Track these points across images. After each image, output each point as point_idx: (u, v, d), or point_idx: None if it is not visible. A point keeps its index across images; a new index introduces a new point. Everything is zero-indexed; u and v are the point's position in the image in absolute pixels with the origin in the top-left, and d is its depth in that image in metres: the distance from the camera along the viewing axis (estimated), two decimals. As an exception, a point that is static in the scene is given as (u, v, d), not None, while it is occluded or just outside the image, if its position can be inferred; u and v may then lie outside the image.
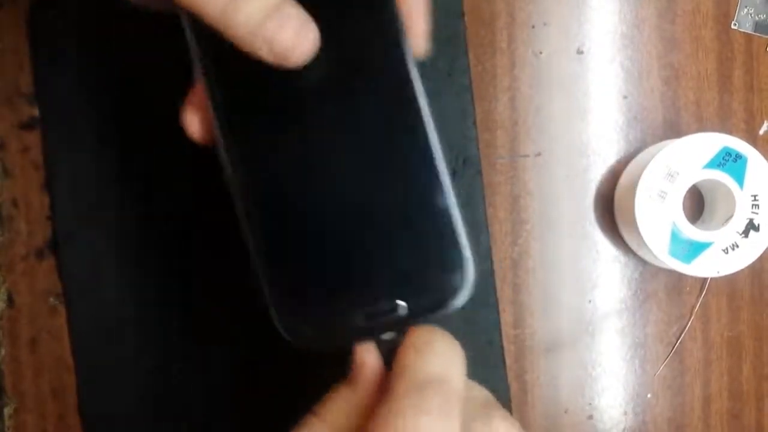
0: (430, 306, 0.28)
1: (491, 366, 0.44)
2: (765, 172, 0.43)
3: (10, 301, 0.42)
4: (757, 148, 0.43)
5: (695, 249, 0.43)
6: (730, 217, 0.43)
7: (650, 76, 0.46)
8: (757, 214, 0.43)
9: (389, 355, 0.28)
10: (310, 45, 0.26)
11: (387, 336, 0.28)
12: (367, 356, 0.29)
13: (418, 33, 0.28)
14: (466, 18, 0.44)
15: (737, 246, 0.43)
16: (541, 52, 0.45)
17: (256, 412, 0.42)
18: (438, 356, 0.27)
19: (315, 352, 0.28)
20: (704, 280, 0.46)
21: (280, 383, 0.41)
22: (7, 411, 0.42)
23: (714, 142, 0.43)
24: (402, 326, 0.28)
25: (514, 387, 0.45)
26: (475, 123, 0.43)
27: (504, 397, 0.45)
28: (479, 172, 0.43)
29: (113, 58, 0.41)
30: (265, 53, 0.26)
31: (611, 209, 0.46)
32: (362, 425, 0.28)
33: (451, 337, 0.28)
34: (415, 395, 0.26)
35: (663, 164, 0.43)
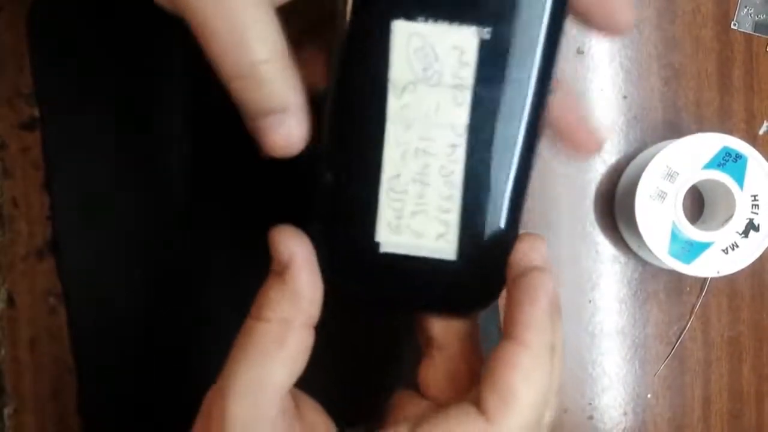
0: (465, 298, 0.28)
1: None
2: (765, 173, 0.43)
3: (10, 301, 0.42)
4: (756, 149, 0.43)
5: (695, 249, 0.43)
6: (730, 217, 0.43)
7: (650, 76, 0.46)
8: (757, 214, 0.43)
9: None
10: (296, 149, 0.26)
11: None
12: (295, 244, 0.27)
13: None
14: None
15: (737, 246, 0.43)
16: (541, 52, 0.45)
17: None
18: (540, 393, 0.26)
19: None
20: (704, 280, 0.46)
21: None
22: (6, 411, 0.42)
23: (714, 142, 0.43)
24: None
25: (514, 387, 0.45)
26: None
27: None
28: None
29: (113, 58, 0.41)
30: (252, 133, 0.26)
31: (611, 209, 0.46)
32: (304, 320, 0.27)
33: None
34: None
35: (663, 164, 0.43)
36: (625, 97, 0.46)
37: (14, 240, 0.42)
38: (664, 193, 0.43)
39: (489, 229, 0.27)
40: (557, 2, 0.25)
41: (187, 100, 0.41)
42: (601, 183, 0.46)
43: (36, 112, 0.42)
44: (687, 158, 0.43)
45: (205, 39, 0.25)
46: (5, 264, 0.42)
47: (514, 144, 0.26)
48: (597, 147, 0.29)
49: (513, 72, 0.25)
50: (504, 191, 0.27)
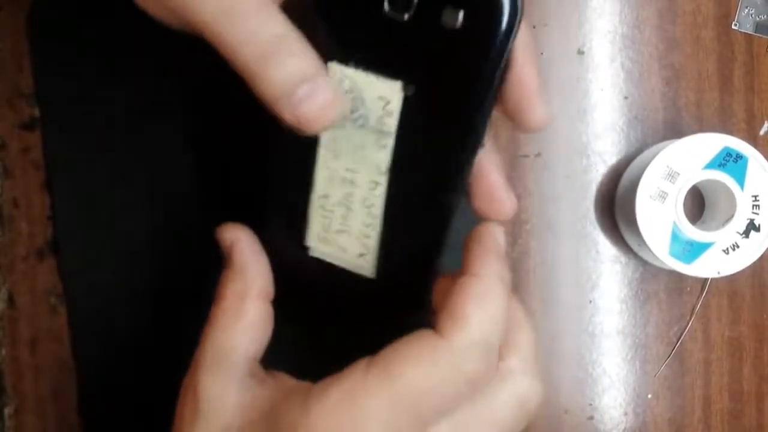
0: None
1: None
2: (766, 173, 0.43)
3: (11, 301, 0.42)
4: (757, 149, 0.43)
5: (696, 249, 0.43)
6: (731, 217, 0.43)
7: (651, 76, 0.46)
8: (757, 214, 0.43)
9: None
10: (331, 120, 0.26)
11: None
12: (236, 231, 0.31)
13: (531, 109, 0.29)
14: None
15: (738, 246, 0.43)
16: (541, 53, 0.45)
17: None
18: (497, 323, 0.27)
19: None
20: (705, 280, 0.46)
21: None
22: (7, 411, 0.42)
23: (714, 142, 0.43)
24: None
25: (514, 387, 0.45)
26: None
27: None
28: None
29: (114, 58, 0.41)
30: (287, 115, 0.26)
31: (612, 209, 0.46)
32: (257, 292, 0.30)
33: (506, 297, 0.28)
34: (475, 360, 0.27)
35: (664, 164, 0.43)
36: (625, 97, 0.46)
37: (14, 240, 0.42)
38: (665, 193, 0.43)
39: (406, 259, 0.29)
40: (488, 72, 0.26)
41: (188, 100, 0.41)
42: (602, 183, 0.46)
43: (36, 112, 0.42)
44: (688, 158, 0.43)
45: (217, 31, 0.26)
46: (5, 264, 0.42)
47: (435, 192, 0.28)
48: (508, 213, 0.30)
49: (435, 129, 0.27)
50: (423, 231, 0.29)
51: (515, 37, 0.25)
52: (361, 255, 0.30)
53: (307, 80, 0.26)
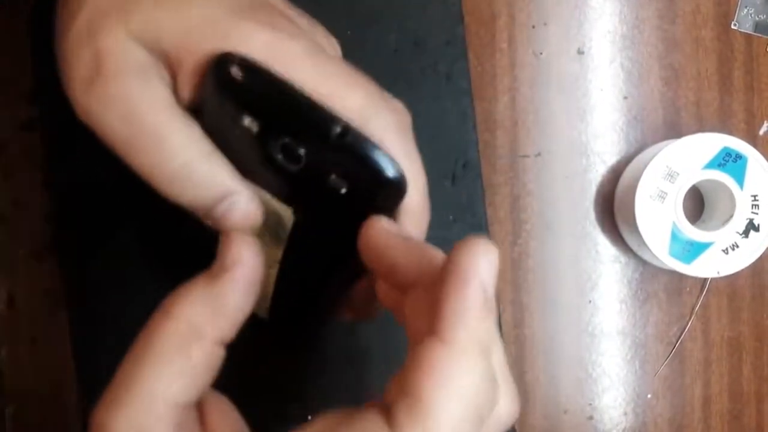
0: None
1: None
2: (765, 173, 0.43)
3: (11, 301, 0.42)
4: (757, 149, 0.43)
5: (695, 249, 0.43)
6: (730, 217, 0.43)
7: (650, 76, 0.46)
8: (757, 214, 0.43)
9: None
10: (252, 225, 0.28)
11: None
12: (245, 252, 0.26)
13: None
14: (466, 19, 0.44)
15: (737, 246, 0.43)
16: (541, 53, 0.45)
17: (259, 415, 0.41)
18: (465, 405, 0.21)
19: None
20: (704, 280, 0.46)
21: (277, 386, 0.41)
22: (7, 411, 0.42)
23: (714, 142, 0.43)
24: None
25: (514, 387, 0.45)
26: (474, 126, 0.43)
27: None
28: (479, 175, 0.43)
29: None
30: (212, 224, 0.28)
31: (611, 209, 0.46)
32: (217, 335, 0.25)
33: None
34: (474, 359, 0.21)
35: (663, 164, 0.43)
36: (625, 97, 0.46)
37: (14, 240, 0.42)
38: (665, 193, 0.43)
39: (288, 311, 0.33)
40: (359, 212, 0.27)
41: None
42: (602, 183, 0.46)
43: (36, 112, 0.42)
44: (687, 158, 0.43)
45: (128, 155, 0.27)
46: (5, 264, 0.42)
47: (310, 288, 0.31)
48: (371, 318, 0.30)
49: (317, 251, 0.30)
50: (301, 301, 0.32)
51: (395, 211, 0.28)
52: (264, 307, 0.32)
53: (225, 196, 0.27)
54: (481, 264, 0.21)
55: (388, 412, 0.21)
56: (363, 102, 0.26)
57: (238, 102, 0.26)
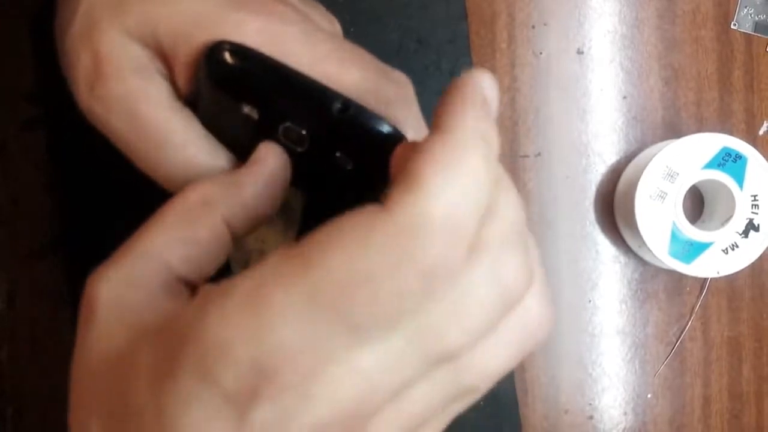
0: None
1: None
2: (765, 173, 0.43)
3: (11, 301, 0.42)
4: (756, 149, 0.43)
5: (695, 249, 0.43)
6: (730, 217, 0.43)
7: (650, 76, 0.46)
8: (756, 214, 0.43)
9: None
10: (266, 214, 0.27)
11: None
12: (270, 153, 0.25)
13: None
14: (467, 19, 0.44)
15: (737, 246, 0.43)
16: (541, 53, 0.46)
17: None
18: (472, 198, 0.19)
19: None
20: (704, 280, 0.46)
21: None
22: (7, 411, 0.42)
23: (714, 142, 0.43)
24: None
25: (514, 387, 0.45)
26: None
27: (510, 396, 0.44)
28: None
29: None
30: None
31: (611, 209, 0.46)
32: (228, 213, 0.24)
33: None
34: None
35: (663, 164, 0.43)
36: (625, 97, 0.46)
37: (14, 240, 0.42)
38: (664, 193, 0.43)
39: None
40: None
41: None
42: (601, 183, 0.46)
43: (36, 112, 0.42)
44: (687, 158, 0.43)
45: (133, 154, 0.28)
46: (5, 264, 0.42)
47: None
48: None
49: None
50: None
51: None
52: None
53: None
54: (478, 75, 0.20)
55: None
56: (361, 77, 0.26)
57: (235, 90, 0.26)
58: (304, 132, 0.26)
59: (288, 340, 0.18)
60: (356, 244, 0.18)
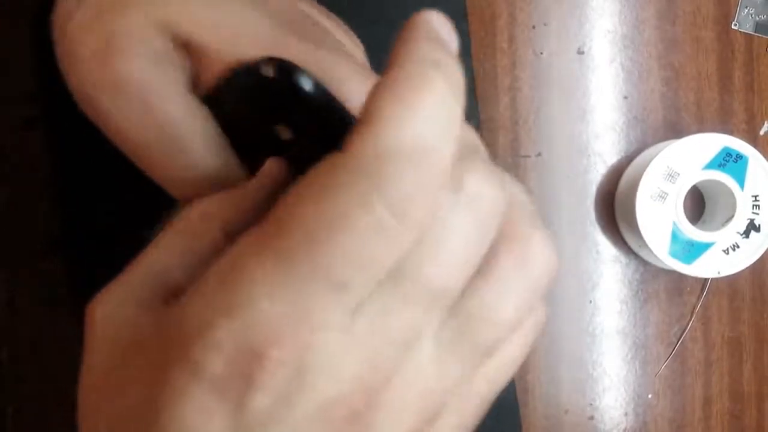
0: None
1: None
2: (766, 173, 0.43)
3: (11, 301, 0.42)
4: (757, 149, 0.43)
5: (696, 249, 0.43)
6: (731, 217, 0.43)
7: (651, 76, 0.46)
8: (757, 214, 0.43)
9: None
10: None
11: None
12: (273, 164, 0.24)
13: None
14: (468, 19, 0.44)
15: (738, 246, 0.43)
16: (541, 53, 0.46)
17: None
18: (440, 124, 0.17)
19: None
20: (705, 280, 0.46)
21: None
22: (8, 411, 0.42)
23: (714, 142, 0.43)
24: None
25: (514, 387, 0.45)
26: (479, 124, 0.43)
27: (511, 396, 0.44)
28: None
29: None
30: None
31: (612, 209, 0.46)
32: (219, 239, 0.22)
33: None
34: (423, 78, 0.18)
35: (664, 165, 0.43)
36: (625, 97, 0.46)
37: (14, 240, 0.42)
38: (665, 193, 0.43)
39: None
40: None
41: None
42: (602, 183, 0.46)
43: (36, 112, 0.42)
44: (688, 158, 0.43)
45: (136, 147, 0.25)
46: (5, 264, 0.42)
47: None
48: None
49: None
50: None
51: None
52: None
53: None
54: (426, 14, 0.19)
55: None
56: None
57: (278, 109, 0.25)
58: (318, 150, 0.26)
59: (268, 310, 0.17)
60: (319, 191, 0.17)
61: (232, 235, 0.23)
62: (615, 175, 0.46)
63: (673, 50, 0.46)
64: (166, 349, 0.18)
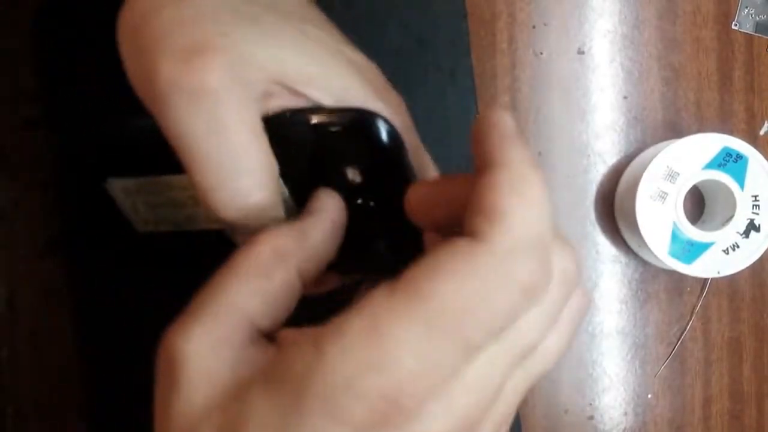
0: None
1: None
2: (765, 173, 0.43)
3: (11, 301, 0.42)
4: (757, 149, 0.43)
5: (696, 249, 0.43)
6: (731, 217, 0.43)
7: (650, 76, 0.46)
8: (757, 214, 0.43)
9: None
10: None
11: None
12: (330, 200, 0.27)
13: None
14: (468, 18, 0.44)
15: (738, 246, 0.43)
16: (541, 53, 0.45)
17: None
18: (544, 217, 0.22)
19: None
20: (705, 280, 0.46)
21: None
22: (7, 411, 0.42)
23: (714, 142, 0.43)
24: None
25: (514, 387, 0.45)
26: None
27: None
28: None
29: (115, 60, 0.41)
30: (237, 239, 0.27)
31: (612, 209, 0.46)
32: (299, 264, 0.25)
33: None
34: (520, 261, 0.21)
35: (663, 165, 0.43)
36: (625, 97, 0.46)
37: (14, 240, 0.42)
38: (665, 193, 0.43)
39: None
40: None
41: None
42: (602, 183, 0.46)
43: (37, 112, 0.42)
44: (687, 158, 0.43)
45: (193, 162, 0.25)
46: (6, 264, 0.42)
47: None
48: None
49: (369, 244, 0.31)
50: None
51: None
52: None
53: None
54: (502, 113, 0.23)
55: (467, 233, 0.21)
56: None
57: (359, 156, 0.28)
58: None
59: (410, 368, 0.20)
60: (463, 272, 0.21)
61: (303, 274, 0.25)
62: (615, 175, 0.46)
63: (673, 50, 0.46)
64: (296, 391, 0.21)
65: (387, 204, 0.28)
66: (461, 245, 0.21)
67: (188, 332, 0.23)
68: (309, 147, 0.27)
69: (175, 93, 0.24)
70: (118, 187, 0.32)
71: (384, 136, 0.27)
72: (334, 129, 0.27)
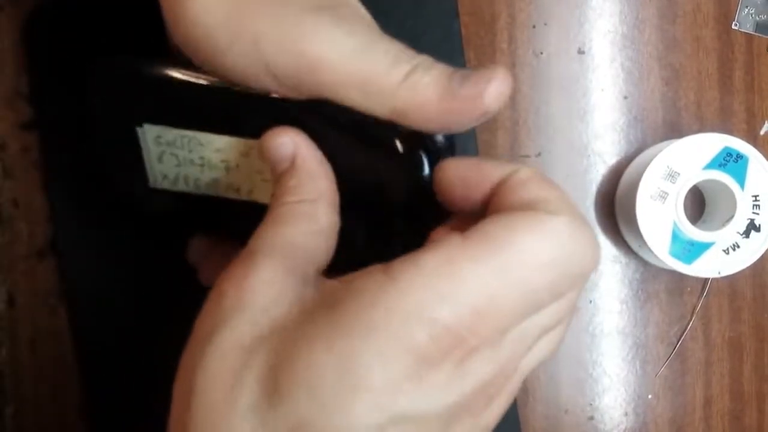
0: None
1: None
2: (766, 173, 0.43)
3: (11, 301, 0.42)
4: (757, 149, 0.43)
5: (696, 249, 0.43)
6: (731, 217, 0.43)
7: (651, 76, 0.46)
8: (758, 214, 0.43)
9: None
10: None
11: None
12: (295, 137, 0.27)
13: None
14: (464, 18, 0.44)
15: (738, 246, 0.43)
16: (541, 53, 0.45)
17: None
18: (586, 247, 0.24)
19: None
20: (705, 280, 0.46)
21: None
22: (7, 412, 0.42)
23: (715, 142, 0.43)
24: None
25: (514, 387, 0.45)
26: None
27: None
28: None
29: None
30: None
31: (612, 209, 0.46)
32: (328, 200, 0.27)
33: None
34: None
35: (664, 165, 0.43)
36: (625, 97, 0.46)
37: (14, 240, 0.42)
38: (665, 193, 0.43)
39: None
40: None
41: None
42: (602, 183, 0.46)
43: (36, 113, 0.42)
44: (688, 158, 0.43)
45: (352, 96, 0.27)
46: (6, 264, 0.42)
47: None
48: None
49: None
50: None
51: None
52: None
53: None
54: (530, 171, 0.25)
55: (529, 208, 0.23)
56: None
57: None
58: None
59: (479, 307, 0.21)
60: (542, 233, 0.22)
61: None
62: (615, 175, 0.46)
63: (673, 50, 0.46)
64: (360, 315, 0.22)
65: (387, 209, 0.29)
66: (538, 213, 0.22)
67: (257, 264, 0.24)
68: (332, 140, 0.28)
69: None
70: (153, 134, 0.32)
71: (426, 170, 0.27)
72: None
